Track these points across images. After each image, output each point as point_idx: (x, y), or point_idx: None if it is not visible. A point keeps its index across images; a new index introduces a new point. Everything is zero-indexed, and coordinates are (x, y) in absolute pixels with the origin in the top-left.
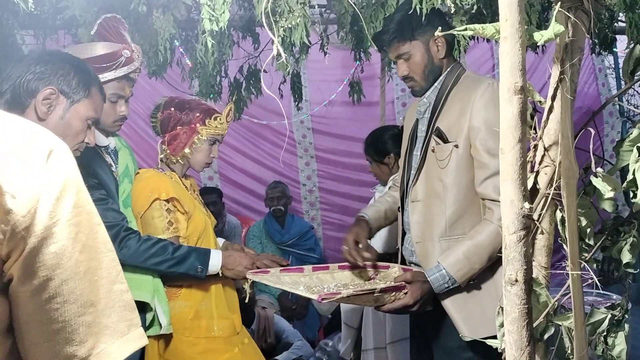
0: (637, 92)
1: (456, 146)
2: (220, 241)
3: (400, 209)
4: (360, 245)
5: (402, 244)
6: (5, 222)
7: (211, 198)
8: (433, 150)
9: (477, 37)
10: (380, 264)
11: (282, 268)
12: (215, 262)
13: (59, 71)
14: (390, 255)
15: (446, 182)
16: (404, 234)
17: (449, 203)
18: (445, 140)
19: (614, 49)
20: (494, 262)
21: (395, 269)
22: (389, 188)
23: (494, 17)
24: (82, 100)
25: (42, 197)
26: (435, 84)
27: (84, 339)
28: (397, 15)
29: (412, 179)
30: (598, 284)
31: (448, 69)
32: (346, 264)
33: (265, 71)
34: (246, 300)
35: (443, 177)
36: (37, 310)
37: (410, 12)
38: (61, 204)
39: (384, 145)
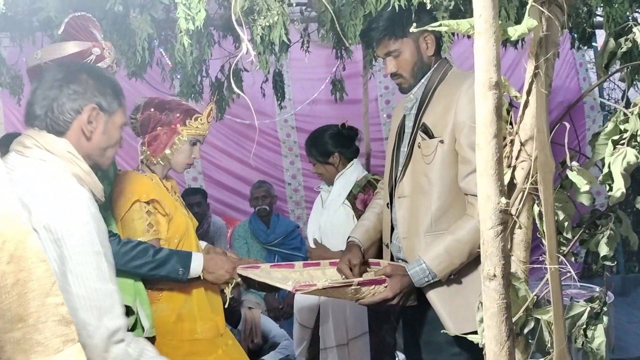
0: (617, 86)
1: (441, 142)
2: (203, 244)
3: (388, 205)
4: (354, 272)
5: (391, 240)
6: None
7: (196, 199)
8: (419, 146)
9: (458, 34)
10: (371, 260)
11: (272, 264)
12: (196, 265)
13: (93, 88)
14: None
15: (431, 178)
16: (392, 229)
17: (434, 198)
18: (431, 136)
19: (594, 44)
20: (479, 257)
21: (385, 266)
22: (375, 193)
23: (472, 13)
24: (117, 110)
25: None
26: (423, 80)
27: (10, 357)
28: (386, 12)
29: (399, 174)
30: (575, 277)
31: (435, 65)
32: (337, 260)
33: (246, 70)
34: (225, 305)
35: (428, 172)
36: None
37: (399, 9)
38: None
39: (326, 146)
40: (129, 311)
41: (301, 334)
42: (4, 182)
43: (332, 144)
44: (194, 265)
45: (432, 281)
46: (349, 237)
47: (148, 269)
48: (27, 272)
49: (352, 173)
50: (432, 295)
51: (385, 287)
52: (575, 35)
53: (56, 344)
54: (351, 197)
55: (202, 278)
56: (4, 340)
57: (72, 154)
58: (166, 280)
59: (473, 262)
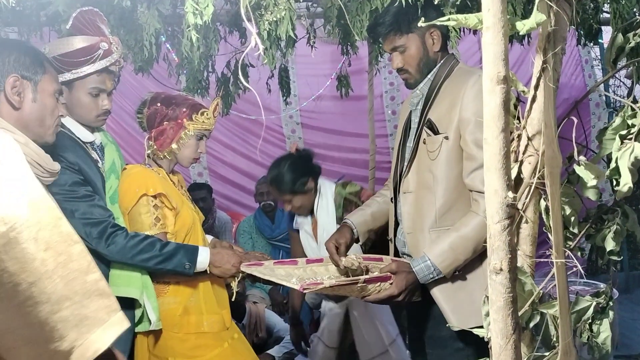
0: (623, 82)
1: (446, 138)
2: (209, 238)
3: (393, 200)
4: (339, 251)
5: (395, 235)
6: None
7: (201, 194)
8: (424, 142)
9: (464, 29)
10: (373, 256)
11: (276, 261)
12: (203, 260)
13: (10, 59)
14: None
15: (436, 174)
16: (397, 225)
17: (438, 195)
18: (436, 132)
19: (600, 40)
20: (483, 253)
21: (388, 261)
22: (384, 186)
23: (479, 9)
24: (42, 77)
25: None
26: (429, 76)
27: (64, 334)
28: (393, 8)
29: (404, 170)
30: (582, 272)
31: (442, 61)
32: None
33: (252, 65)
34: (232, 299)
35: (433, 168)
36: (12, 316)
37: (405, 4)
38: (12, 206)
39: (299, 174)
40: (135, 304)
41: (328, 355)
42: (28, 171)
43: (303, 170)
44: (200, 259)
45: (436, 278)
46: (344, 219)
47: (155, 262)
48: (65, 255)
49: (327, 194)
50: (436, 291)
51: (391, 284)
52: (582, 32)
53: (102, 315)
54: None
55: (208, 272)
56: (54, 320)
57: (4, 129)
58: (173, 274)
59: (477, 258)
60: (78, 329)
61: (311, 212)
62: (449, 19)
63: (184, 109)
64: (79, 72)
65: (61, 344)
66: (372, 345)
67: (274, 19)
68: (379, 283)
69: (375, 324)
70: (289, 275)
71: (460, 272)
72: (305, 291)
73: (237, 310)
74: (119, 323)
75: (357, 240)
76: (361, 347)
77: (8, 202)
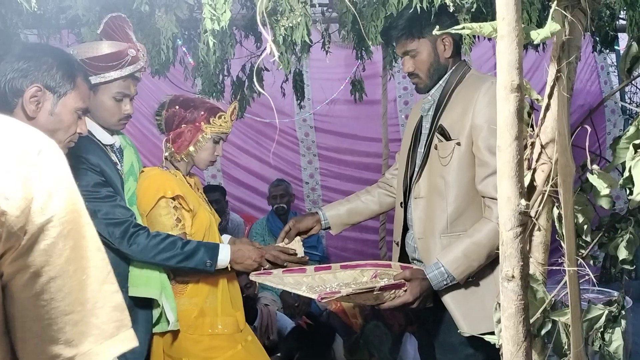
0: (639, 89)
1: (458, 144)
2: (226, 238)
3: (402, 205)
4: (289, 233)
5: (402, 240)
6: (0, 224)
7: (214, 196)
8: (436, 148)
9: (478, 36)
10: (381, 262)
11: (284, 269)
12: (224, 257)
13: (42, 66)
14: None
15: (448, 180)
16: (405, 229)
17: (450, 200)
18: (448, 138)
19: (616, 47)
20: (494, 259)
21: (396, 267)
22: (376, 184)
23: (494, 15)
24: (68, 92)
25: (34, 196)
26: (440, 82)
27: (70, 338)
28: (407, 12)
29: (415, 175)
30: (594, 280)
31: (453, 68)
32: (348, 263)
33: (266, 69)
34: (255, 291)
35: (445, 174)
36: (26, 306)
37: (420, 10)
38: (53, 202)
39: None
40: (154, 304)
41: None
42: (69, 173)
43: None
44: (221, 256)
45: (450, 284)
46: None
47: (176, 261)
48: (86, 260)
49: None
50: (447, 297)
51: (405, 291)
52: (597, 39)
53: (111, 329)
54: None
55: (229, 269)
56: (64, 321)
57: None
58: (194, 272)
59: (488, 264)
60: (84, 336)
61: None
62: (463, 27)
63: (202, 112)
64: (106, 77)
65: (65, 348)
66: None
67: (290, 24)
68: (393, 290)
69: None
70: (298, 283)
71: (473, 279)
72: (323, 301)
73: (249, 312)
74: (128, 340)
75: (330, 229)
76: None
77: (50, 197)
